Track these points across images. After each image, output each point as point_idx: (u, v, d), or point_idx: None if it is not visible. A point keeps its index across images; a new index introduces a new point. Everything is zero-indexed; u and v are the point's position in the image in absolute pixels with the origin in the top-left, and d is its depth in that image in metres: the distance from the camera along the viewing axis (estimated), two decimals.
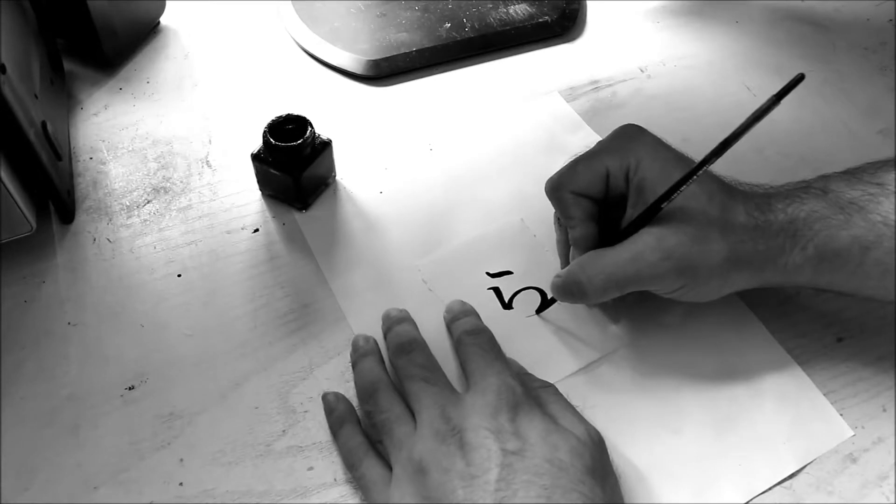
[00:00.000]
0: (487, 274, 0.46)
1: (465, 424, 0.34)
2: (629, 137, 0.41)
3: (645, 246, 0.37)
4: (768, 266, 0.37)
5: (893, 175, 0.37)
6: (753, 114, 0.35)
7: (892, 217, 0.36)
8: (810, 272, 0.37)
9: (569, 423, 0.35)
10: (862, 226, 0.36)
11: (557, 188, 0.41)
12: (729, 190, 0.39)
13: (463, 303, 0.43)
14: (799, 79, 0.33)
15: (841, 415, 0.39)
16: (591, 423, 0.35)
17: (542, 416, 0.34)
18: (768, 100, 0.34)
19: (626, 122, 0.42)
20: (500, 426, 0.33)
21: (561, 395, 0.38)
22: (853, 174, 0.39)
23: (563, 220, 0.42)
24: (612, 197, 0.41)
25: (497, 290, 0.45)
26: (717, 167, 0.39)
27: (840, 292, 0.39)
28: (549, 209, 0.43)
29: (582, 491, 0.31)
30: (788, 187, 0.39)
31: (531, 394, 0.36)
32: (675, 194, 0.36)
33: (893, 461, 0.38)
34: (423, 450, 0.33)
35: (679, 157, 0.39)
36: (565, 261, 0.44)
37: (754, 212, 0.38)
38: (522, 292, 0.45)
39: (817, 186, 0.38)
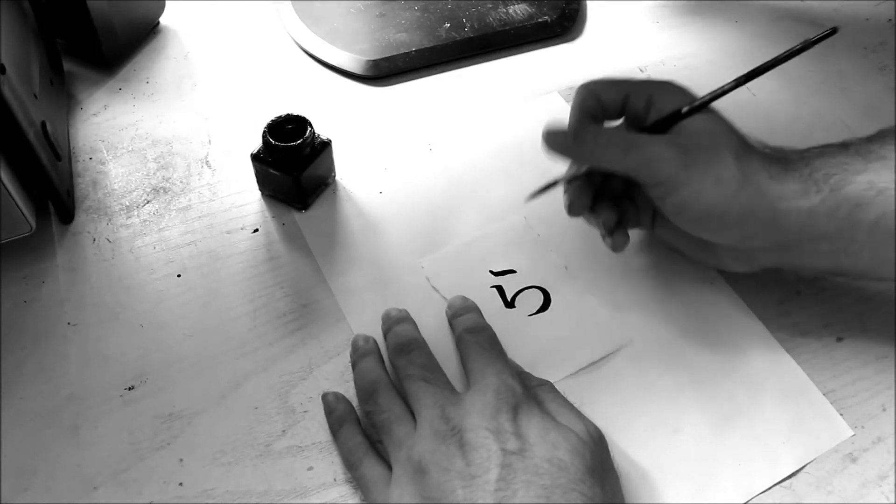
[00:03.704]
0: (491, 272, 0.46)
1: (465, 424, 0.34)
2: (658, 81, 0.41)
3: (661, 137, 0.38)
4: (781, 204, 0.37)
5: None
6: (784, 53, 0.36)
7: None
8: (825, 220, 0.36)
9: (568, 421, 0.35)
10: (881, 171, 0.36)
11: (582, 86, 0.41)
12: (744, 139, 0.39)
13: (465, 299, 0.43)
14: (832, 31, 0.35)
15: (841, 414, 0.40)
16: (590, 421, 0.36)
17: (541, 416, 0.34)
18: (800, 43, 0.35)
19: None
20: (500, 426, 0.33)
21: (559, 392, 0.38)
22: (874, 136, 0.39)
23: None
24: (629, 118, 0.41)
25: (500, 289, 0.45)
26: None
27: (854, 269, 0.39)
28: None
29: (581, 490, 0.31)
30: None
31: (530, 392, 0.36)
32: (694, 112, 0.38)
33: (893, 461, 0.38)
34: (423, 450, 0.33)
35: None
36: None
37: (775, 155, 0.39)
38: (525, 291, 0.45)
39: (836, 143, 0.39)
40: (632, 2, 0.66)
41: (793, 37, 0.63)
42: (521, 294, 0.45)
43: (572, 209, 0.42)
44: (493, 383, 0.35)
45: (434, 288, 0.45)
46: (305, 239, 0.47)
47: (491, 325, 0.41)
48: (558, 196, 0.43)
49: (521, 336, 0.42)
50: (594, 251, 0.46)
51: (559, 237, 0.47)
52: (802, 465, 0.38)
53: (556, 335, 0.43)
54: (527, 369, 0.40)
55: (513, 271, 0.46)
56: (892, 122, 0.55)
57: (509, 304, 0.44)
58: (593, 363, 0.41)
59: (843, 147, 0.38)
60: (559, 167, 0.42)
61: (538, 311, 0.44)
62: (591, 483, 0.32)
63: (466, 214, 0.49)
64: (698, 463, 0.38)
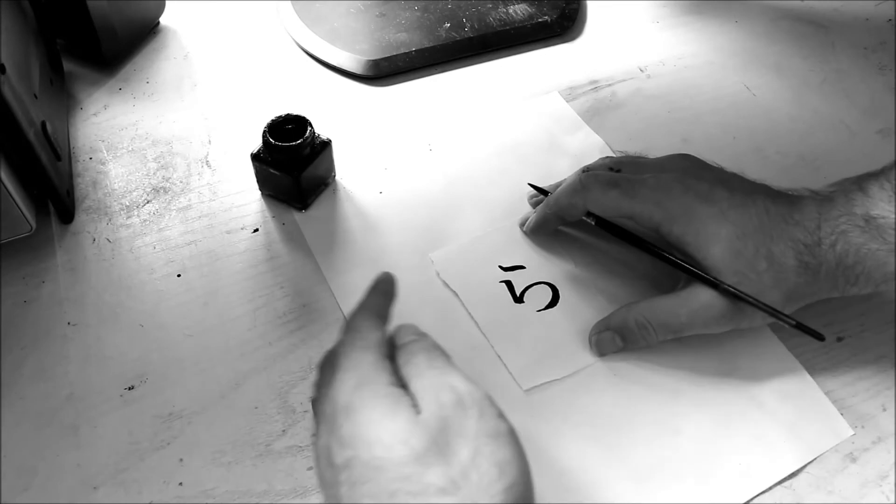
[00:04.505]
0: (500, 267, 0.46)
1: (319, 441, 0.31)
2: (666, 190, 0.40)
3: (699, 305, 0.39)
4: (819, 296, 0.39)
5: None
6: (770, 309, 0.38)
7: None
8: (858, 291, 0.38)
9: (420, 387, 0.30)
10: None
11: (572, 205, 0.42)
12: (774, 229, 0.38)
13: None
14: (819, 337, 0.39)
15: (841, 414, 0.40)
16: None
17: (367, 413, 0.29)
18: (788, 319, 0.38)
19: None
20: (331, 442, 0.30)
21: (432, 347, 0.33)
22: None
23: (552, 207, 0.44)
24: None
25: (509, 284, 0.45)
26: (728, 165, 0.39)
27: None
28: None
29: (407, 489, 0.27)
30: (835, 209, 0.38)
31: (392, 352, 0.32)
32: (725, 285, 0.38)
33: (893, 461, 0.38)
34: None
35: (721, 214, 0.38)
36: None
37: (805, 255, 0.38)
38: (534, 287, 0.45)
39: (860, 213, 0.37)
40: (632, 2, 0.66)
41: (792, 37, 0.63)
42: (529, 289, 0.45)
43: (534, 229, 0.45)
44: (324, 394, 0.32)
45: (444, 282, 0.45)
46: (305, 239, 0.47)
47: (499, 319, 0.42)
48: None
49: (528, 332, 0.43)
50: (602, 250, 0.46)
51: (568, 235, 0.47)
52: (803, 464, 0.38)
53: (563, 331, 0.43)
54: (533, 364, 0.41)
55: (522, 267, 0.46)
56: (891, 122, 0.56)
57: (518, 300, 0.44)
58: (596, 362, 0.41)
59: (863, 229, 0.38)
60: (558, 168, 0.42)
61: (546, 307, 0.44)
62: (421, 470, 0.27)
63: (466, 214, 0.49)
64: (699, 462, 0.38)
